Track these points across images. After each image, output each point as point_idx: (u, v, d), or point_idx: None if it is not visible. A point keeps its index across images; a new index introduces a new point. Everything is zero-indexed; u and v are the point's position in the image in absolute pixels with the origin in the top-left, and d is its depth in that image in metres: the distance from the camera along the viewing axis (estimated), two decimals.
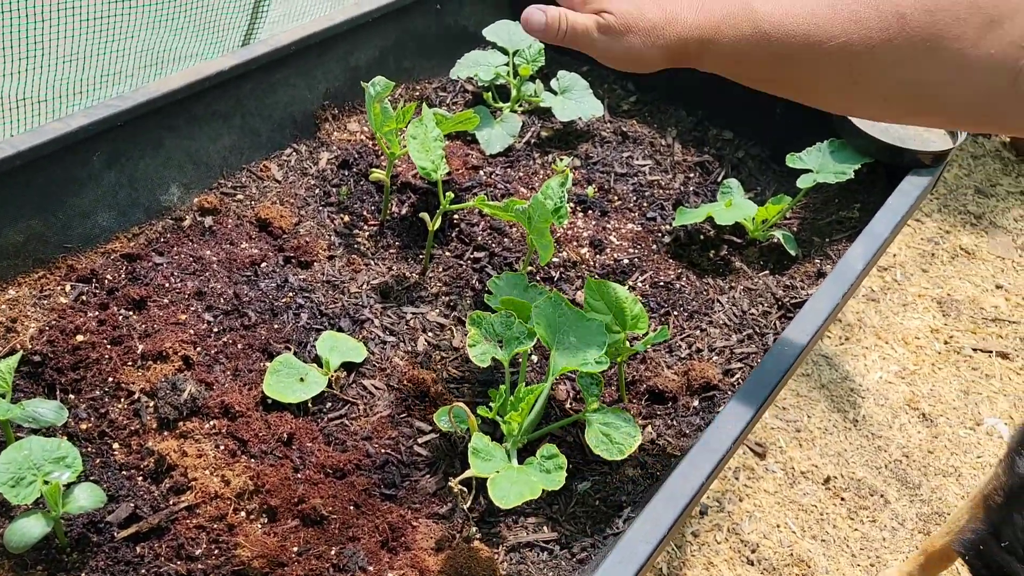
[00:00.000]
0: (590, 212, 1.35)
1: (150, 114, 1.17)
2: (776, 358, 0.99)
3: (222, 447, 0.96)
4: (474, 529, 0.92)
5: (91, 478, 0.91)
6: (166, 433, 0.96)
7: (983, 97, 0.74)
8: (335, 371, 1.04)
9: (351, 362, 1.06)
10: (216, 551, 0.87)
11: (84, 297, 1.09)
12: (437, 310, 1.17)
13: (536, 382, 1.07)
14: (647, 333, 1.04)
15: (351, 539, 0.90)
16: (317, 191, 1.30)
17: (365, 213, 1.29)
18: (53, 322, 1.05)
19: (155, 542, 0.88)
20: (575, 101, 1.47)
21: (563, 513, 0.96)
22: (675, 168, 1.45)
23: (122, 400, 0.99)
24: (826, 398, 2.36)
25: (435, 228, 1.18)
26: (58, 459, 0.84)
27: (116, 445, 0.96)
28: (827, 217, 1.36)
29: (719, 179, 1.42)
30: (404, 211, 1.30)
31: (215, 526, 0.89)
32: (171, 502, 0.91)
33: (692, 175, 1.44)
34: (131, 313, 1.08)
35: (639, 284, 1.24)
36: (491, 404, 0.97)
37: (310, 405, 1.02)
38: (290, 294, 1.14)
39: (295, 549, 0.88)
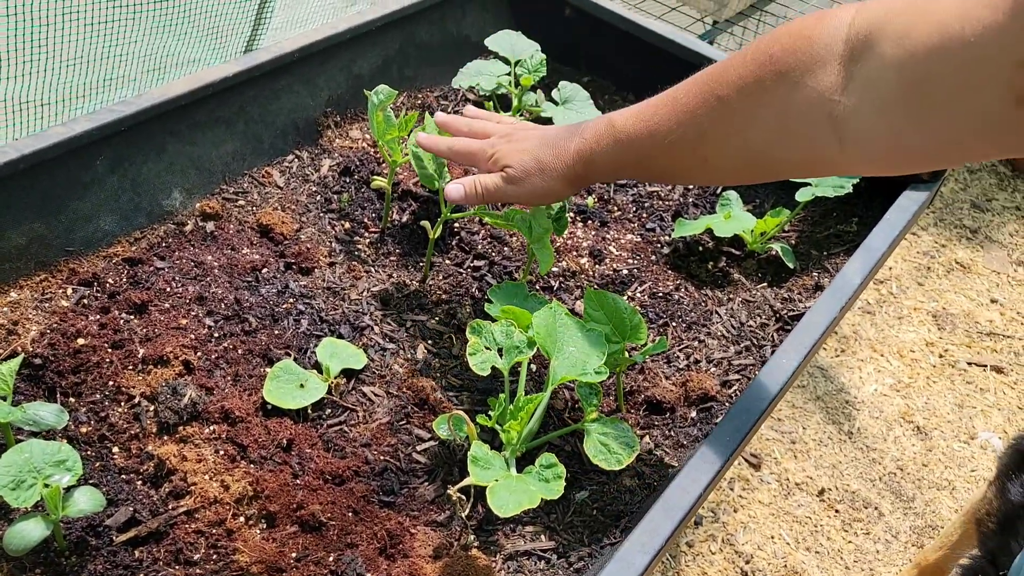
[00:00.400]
0: (590, 222, 1.36)
1: (153, 119, 1.17)
2: (774, 371, 0.99)
3: (222, 452, 0.96)
4: (472, 537, 0.93)
5: (91, 482, 0.92)
6: (166, 437, 0.97)
7: (815, 150, 0.80)
8: (335, 378, 1.05)
9: (351, 369, 1.07)
10: (215, 556, 0.88)
11: (85, 300, 1.10)
12: (437, 318, 1.17)
13: (535, 391, 1.08)
14: (646, 343, 1.05)
15: (349, 545, 0.90)
16: (318, 198, 1.31)
17: (366, 220, 1.29)
18: (54, 325, 1.05)
19: (154, 547, 0.88)
20: (576, 111, 1.48)
21: (561, 522, 0.96)
22: None
23: (122, 404, 0.99)
24: (821, 410, 2.37)
25: (436, 236, 1.19)
26: (58, 462, 0.85)
27: (116, 449, 0.96)
28: (825, 230, 1.37)
29: (718, 191, 1.43)
30: (405, 219, 1.31)
31: (214, 531, 0.90)
32: (170, 507, 0.91)
33: (691, 187, 1.45)
34: (132, 317, 1.08)
35: (638, 294, 1.25)
36: (490, 413, 0.98)
37: (310, 411, 1.02)
38: (291, 300, 1.15)
39: (294, 555, 0.88)
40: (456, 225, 1.31)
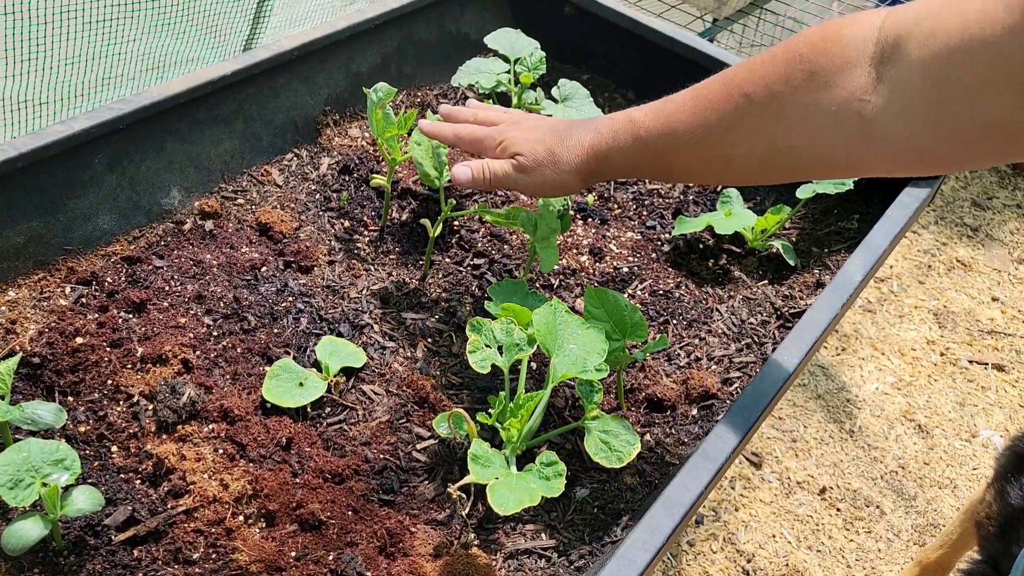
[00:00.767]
0: (590, 220, 1.35)
1: (152, 118, 1.17)
2: (775, 368, 0.99)
3: (221, 451, 0.96)
4: (472, 535, 0.92)
5: (89, 481, 0.91)
6: (165, 436, 0.96)
7: (841, 149, 0.80)
8: (334, 376, 1.04)
9: (350, 367, 1.07)
10: (214, 555, 0.87)
11: (84, 299, 1.09)
12: (437, 316, 1.17)
13: (535, 389, 1.07)
14: (646, 341, 1.04)
15: (349, 544, 0.90)
16: (318, 196, 1.31)
17: (365, 219, 1.29)
18: (53, 324, 1.05)
19: (152, 546, 0.88)
20: (576, 109, 1.47)
21: (561, 520, 0.96)
22: None
23: (121, 403, 0.99)
24: (822, 408, 2.37)
25: (435, 234, 1.19)
26: (57, 461, 0.84)
27: (114, 448, 0.95)
28: (826, 228, 1.36)
29: (719, 188, 1.43)
30: (404, 217, 1.30)
31: (213, 530, 0.89)
32: (169, 506, 0.91)
33: (692, 184, 1.44)
34: (131, 316, 1.08)
35: (638, 292, 1.24)
36: (490, 410, 0.97)
37: (309, 410, 1.02)
38: (290, 299, 1.14)
39: (293, 554, 0.88)
40: (456, 223, 1.30)
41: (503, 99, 1.53)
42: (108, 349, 1.03)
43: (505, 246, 1.28)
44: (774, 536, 2.04)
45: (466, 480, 0.87)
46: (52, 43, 1.41)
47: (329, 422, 1.02)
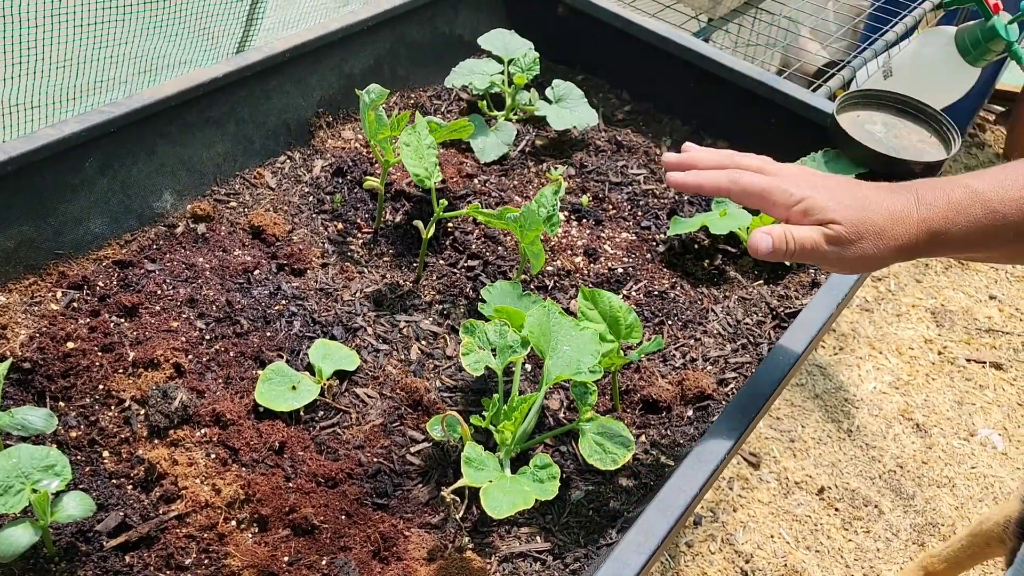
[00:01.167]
0: (584, 221, 1.35)
1: (143, 120, 1.17)
2: (770, 368, 0.98)
3: (213, 456, 0.95)
4: (466, 539, 0.92)
5: (80, 486, 0.91)
6: (156, 441, 0.96)
7: None
8: (328, 379, 1.04)
9: (344, 370, 1.06)
10: (206, 561, 0.87)
11: (75, 304, 1.09)
12: (431, 318, 1.16)
13: (530, 391, 1.07)
14: (641, 342, 1.04)
15: (342, 549, 0.89)
16: (311, 198, 1.30)
17: (359, 221, 1.28)
18: (44, 329, 1.04)
19: (144, 551, 0.87)
20: (570, 110, 1.47)
21: (556, 523, 0.95)
22: None
23: (112, 408, 0.98)
24: (820, 408, 2.36)
25: (429, 236, 1.18)
26: (47, 467, 0.84)
27: (106, 453, 0.95)
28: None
29: None
30: (398, 219, 1.30)
31: (205, 535, 0.88)
32: (161, 511, 0.90)
33: None
34: (123, 320, 1.07)
35: (633, 293, 1.24)
36: (484, 413, 0.97)
37: (302, 413, 1.01)
38: (283, 302, 1.14)
39: (286, 559, 0.87)
40: (450, 225, 1.30)
41: (497, 100, 1.52)
42: (100, 354, 1.02)
43: (499, 247, 1.28)
44: (772, 536, 2.03)
45: (460, 483, 0.87)
46: (43, 46, 1.41)
47: (322, 426, 1.01)
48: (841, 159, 1.31)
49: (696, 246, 1.32)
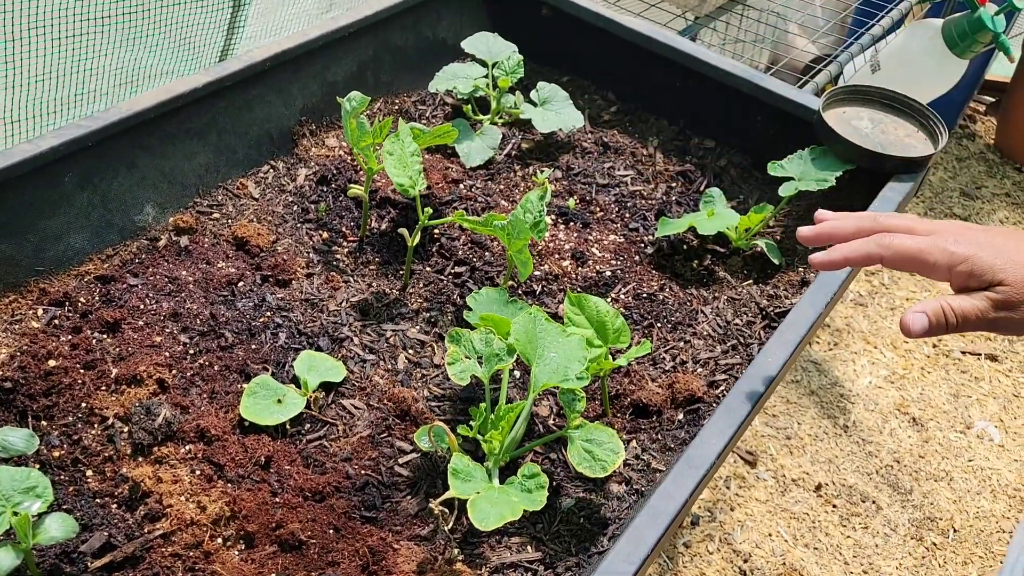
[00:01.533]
0: (572, 224, 1.34)
1: (122, 133, 1.15)
2: (760, 369, 0.97)
3: (198, 472, 0.94)
4: (456, 551, 0.91)
5: (64, 507, 0.89)
6: (140, 459, 0.95)
7: None
8: (314, 391, 1.02)
9: (330, 382, 1.05)
10: None
11: (57, 321, 1.07)
12: (418, 327, 1.15)
13: (519, 398, 1.06)
14: (630, 346, 1.03)
15: (331, 564, 0.88)
16: (295, 208, 1.29)
17: (344, 229, 1.27)
18: (25, 347, 1.03)
19: (129, 571, 0.86)
20: (555, 112, 1.46)
21: (547, 532, 0.94)
22: (657, 178, 1.44)
23: (96, 426, 0.97)
24: (816, 404, 2.35)
25: (415, 243, 1.17)
26: (28, 489, 0.82)
27: (89, 472, 0.94)
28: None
29: (701, 188, 1.42)
30: (384, 227, 1.28)
31: (191, 554, 0.87)
32: (146, 530, 0.89)
33: (674, 184, 1.43)
34: (105, 336, 1.06)
35: (622, 296, 1.23)
36: (471, 423, 0.96)
37: (288, 427, 1.00)
38: (268, 313, 1.12)
39: None
40: (436, 231, 1.28)
41: (481, 104, 1.51)
42: (82, 371, 1.01)
43: (487, 253, 1.26)
44: (770, 535, 2.02)
45: (448, 495, 0.86)
46: (21, 60, 1.39)
47: (309, 439, 1.00)
48: (827, 156, 1.30)
49: (685, 247, 1.32)
